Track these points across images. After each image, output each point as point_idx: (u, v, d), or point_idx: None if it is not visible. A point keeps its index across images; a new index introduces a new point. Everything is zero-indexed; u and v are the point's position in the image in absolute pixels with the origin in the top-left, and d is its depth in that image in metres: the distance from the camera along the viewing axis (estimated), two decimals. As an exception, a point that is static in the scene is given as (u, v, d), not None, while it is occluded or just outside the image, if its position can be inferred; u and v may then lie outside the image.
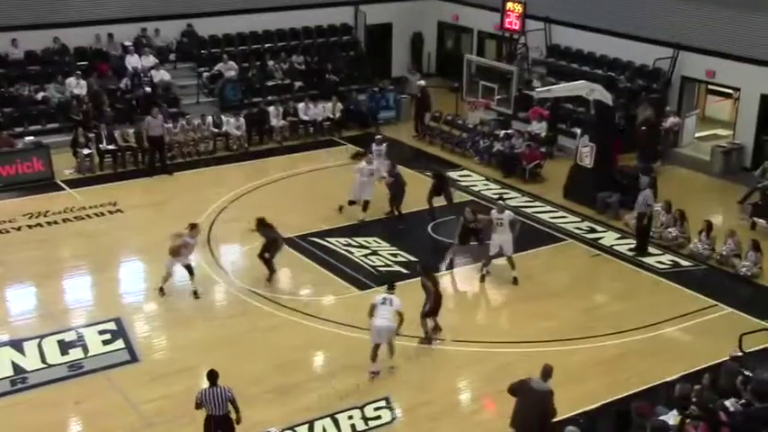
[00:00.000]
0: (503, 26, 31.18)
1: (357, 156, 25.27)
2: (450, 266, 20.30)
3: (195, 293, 18.67)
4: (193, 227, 18.80)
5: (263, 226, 19.30)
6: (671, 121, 27.21)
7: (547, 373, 12.83)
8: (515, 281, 19.47)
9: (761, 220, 22.44)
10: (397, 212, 22.69)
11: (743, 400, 11.69)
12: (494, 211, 19.73)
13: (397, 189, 22.62)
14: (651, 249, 21.16)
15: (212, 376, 13.06)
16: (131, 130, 26.37)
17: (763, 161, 24.50)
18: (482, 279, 19.76)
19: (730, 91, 28.26)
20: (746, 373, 12.80)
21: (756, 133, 26.21)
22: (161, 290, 18.65)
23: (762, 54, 25.53)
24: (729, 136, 27.48)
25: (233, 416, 13.17)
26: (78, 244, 21.34)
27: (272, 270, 19.29)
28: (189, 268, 18.68)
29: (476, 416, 15.32)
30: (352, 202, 22.57)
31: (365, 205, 22.45)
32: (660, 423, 11.04)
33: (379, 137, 25.17)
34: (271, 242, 19.23)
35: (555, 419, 12.88)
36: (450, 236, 21.22)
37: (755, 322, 17.18)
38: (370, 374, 15.92)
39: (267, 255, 19.20)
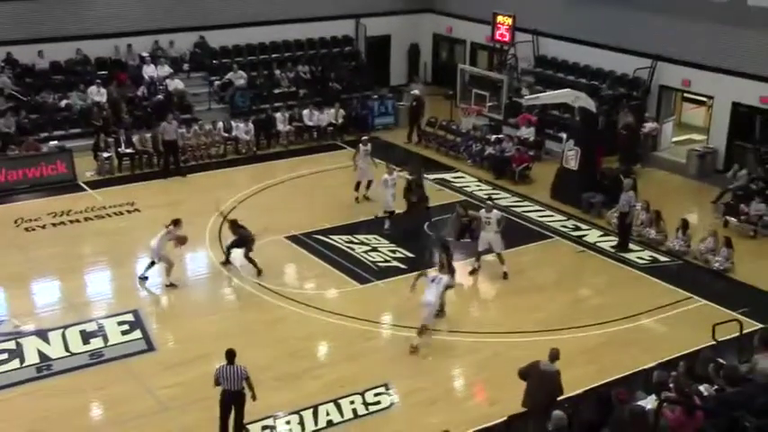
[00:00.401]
0: (494, 38, 31.18)
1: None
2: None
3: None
4: (176, 222, 18.87)
5: (236, 227, 19.43)
6: (650, 126, 27.22)
7: (554, 356, 13.11)
8: (505, 276, 19.48)
9: (732, 219, 22.48)
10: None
11: (716, 386, 11.71)
12: (482, 211, 19.74)
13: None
14: (632, 246, 21.17)
15: (230, 355, 13.25)
16: (148, 135, 26.35)
17: (734, 164, 24.55)
18: (472, 272, 19.79)
19: (704, 99, 28.26)
20: (720, 360, 12.82)
21: (728, 138, 26.24)
22: (171, 284, 18.74)
23: (733, 65, 25.55)
24: (704, 140, 27.48)
25: (247, 393, 13.30)
26: (99, 241, 21.35)
27: (255, 264, 19.36)
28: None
29: (469, 401, 15.36)
30: (390, 213, 21.91)
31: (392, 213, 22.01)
32: (638, 408, 11.05)
33: (365, 138, 24.95)
34: (243, 240, 19.33)
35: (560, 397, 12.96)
36: (446, 233, 21.28)
37: (727, 313, 17.19)
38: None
39: (243, 252, 19.32)
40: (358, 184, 23.60)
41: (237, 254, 19.61)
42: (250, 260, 19.36)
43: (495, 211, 19.67)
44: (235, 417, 13.46)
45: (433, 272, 17.01)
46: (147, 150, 26.02)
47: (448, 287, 17.19)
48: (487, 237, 19.41)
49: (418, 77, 33.57)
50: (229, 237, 19.78)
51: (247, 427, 13.72)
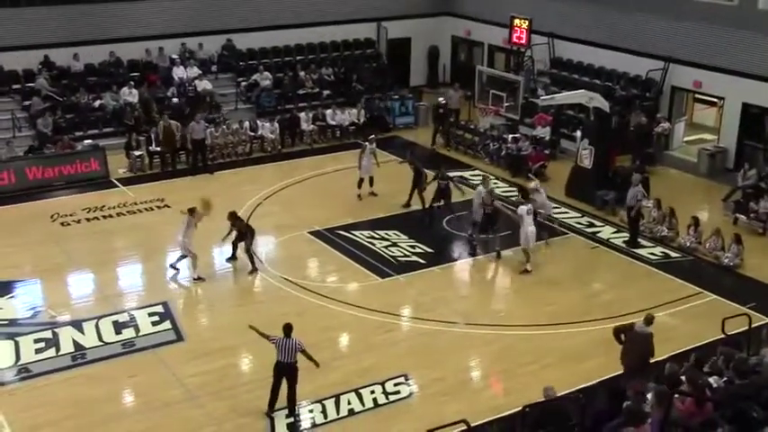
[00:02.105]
0: (511, 40, 31.01)
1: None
2: (473, 254, 20.24)
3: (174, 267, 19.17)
4: (192, 210, 18.81)
5: (236, 219, 19.32)
6: (662, 126, 27.04)
7: (649, 320, 13.86)
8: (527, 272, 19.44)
9: (742, 216, 22.32)
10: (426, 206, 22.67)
11: (725, 378, 11.65)
12: (523, 207, 19.57)
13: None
14: (644, 242, 21.05)
15: (287, 329, 13.72)
16: (178, 134, 26.47)
17: (744, 163, 24.37)
18: (498, 256, 19.92)
19: (715, 99, 28.04)
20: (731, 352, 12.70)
21: (738, 138, 26.07)
22: (199, 278, 18.83)
23: (743, 67, 25.37)
24: (714, 140, 27.26)
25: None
26: (130, 235, 21.46)
27: (253, 262, 19.25)
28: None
29: (484, 392, 15.32)
30: (475, 223, 20.93)
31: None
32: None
33: (372, 136, 25.04)
34: (243, 233, 19.27)
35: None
36: (463, 229, 21.23)
37: (736, 308, 17.10)
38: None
39: (245, 245, 19.22)
40: (361, 182, 23.68)
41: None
42: (250, 255, 19.23)
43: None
44: (288, 390, 13.83)
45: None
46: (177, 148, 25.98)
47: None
48: (526, 230, 19.33)
49: (454, 87, 32.24)
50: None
51: (297, 404, 14.05)
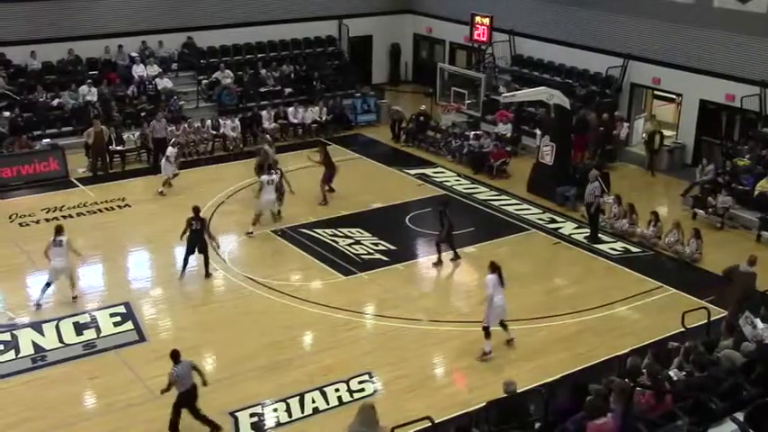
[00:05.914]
0: (472, 38, 31.18)
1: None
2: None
3: None
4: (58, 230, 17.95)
5: (193, 219, 18.85)
6: (624, 125, 27.24)
7: (752, 261, 16.07)
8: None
9: (701, 211, 22.63)
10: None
11: (684, 372, 11.81)
12: None
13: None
14: (605, 237, 21.26)
15: (175, 355, 13.11)
16: (137, 133, 26.26)
17: (703, 159, 24.69)
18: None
19: (674, 96, 28.40)
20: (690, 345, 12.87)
21: (696, 134, 26.45)
22: (75, 297, 17.94)
23: (701, 64, 25.73)
24: (673, 136, 27.59)
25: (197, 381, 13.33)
26: (91, 235, 21.17)
27: (184, 267, 18.90)
28: None
29: (449, 388, 15.37)
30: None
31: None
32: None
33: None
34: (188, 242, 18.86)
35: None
36: (426, 226, 21.28)
37: (696, 301, 17.33)
38: None
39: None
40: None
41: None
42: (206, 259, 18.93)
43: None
44: (192, 414, 13.30)
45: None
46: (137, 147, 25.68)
47: None
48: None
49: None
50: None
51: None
